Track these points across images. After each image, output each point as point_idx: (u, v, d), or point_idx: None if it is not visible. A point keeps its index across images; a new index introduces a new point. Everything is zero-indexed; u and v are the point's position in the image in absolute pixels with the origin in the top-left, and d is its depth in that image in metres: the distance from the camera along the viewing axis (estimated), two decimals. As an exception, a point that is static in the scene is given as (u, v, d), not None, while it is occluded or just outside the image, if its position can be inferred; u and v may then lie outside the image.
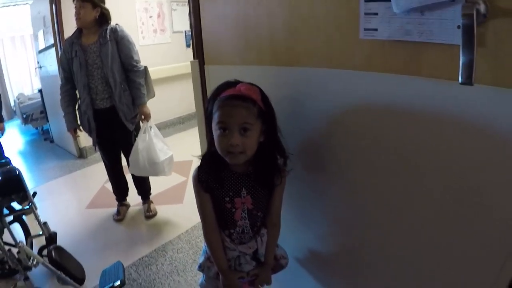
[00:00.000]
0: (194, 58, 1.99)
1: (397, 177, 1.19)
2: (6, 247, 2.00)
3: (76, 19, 2.90)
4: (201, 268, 1.55)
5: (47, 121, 6.62)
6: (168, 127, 6.53)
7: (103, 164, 3.48)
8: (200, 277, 1.66)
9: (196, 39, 1.92)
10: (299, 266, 1.75)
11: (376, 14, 1.10)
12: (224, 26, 1.73)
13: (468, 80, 0.85)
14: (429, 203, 1.11)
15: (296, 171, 1.45)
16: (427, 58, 1.02)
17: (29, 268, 2.11)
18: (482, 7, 0.85)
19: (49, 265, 2.11)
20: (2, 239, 1.96)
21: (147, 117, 3.11)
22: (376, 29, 1.11)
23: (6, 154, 4.13)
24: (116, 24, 3.03)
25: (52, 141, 6.58)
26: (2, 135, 4.28)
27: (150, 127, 3.15)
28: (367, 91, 1.20)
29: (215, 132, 1.25)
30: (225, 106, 1.23)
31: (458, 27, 0.91)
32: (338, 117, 1.32)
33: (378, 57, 1.14)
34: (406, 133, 1.13)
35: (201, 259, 1.56)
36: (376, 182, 1.26)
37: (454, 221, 1.06)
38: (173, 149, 3.34)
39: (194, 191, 1.40)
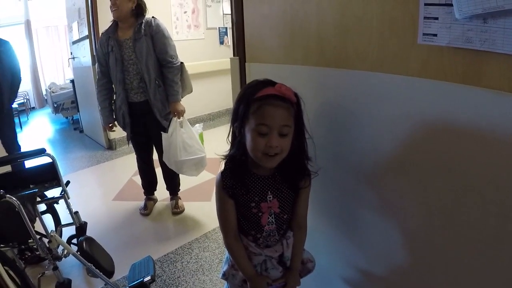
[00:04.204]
0: (234, 55, 1.95)
1: (449, 193, 1.12)
2: (37, 236, 1.99)
3: (112, 11, 2.87)
4: (225, 276, 1.49)
5: (78, 111, 6.72)
6: (198, 123, 6.46)
7: (131, 156, 3.49)
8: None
9: (237, 36, 1.89)
10: (327, 270, 1.69)
11: (437, 18, 1.04)
12: (268, 23, 1.69)
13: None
14: (487, 224, 1.05)
15: (336, 176, 1.40)
16: (487, 68, 0.96)
17: (59, 258, 2.11)
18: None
19: (80, 257, 2.10)
20: (34, 227, 1.95)
21: (179, 115, 3.05)
22: (435, 35, 1.06)
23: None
24: (153, 17, 2.99)
25: (81, 131, 6.69)
26: None
27: (181, 124, 3.09)
28: (421, 99, 1.14)
29: (251, 133, 1.20)
30: (266, 106, 1.18)
31: (523, 37, 0.86)
32: (387, 125, 1.26)
33: (435, 64, 1.09)
34: (460, 147, 1.06)
35: (224, 267, 1.51)
36: (426, 196, 1.20)
37: None
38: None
39: (216, 197, 1.37)
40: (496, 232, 1.02)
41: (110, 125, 3.19)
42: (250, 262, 1.40)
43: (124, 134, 3.22)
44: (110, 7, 2.87)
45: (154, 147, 3.33)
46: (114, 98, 3.13)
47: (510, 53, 0.89)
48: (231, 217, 1.37)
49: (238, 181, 1.32)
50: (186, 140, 3.08)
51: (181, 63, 3.08)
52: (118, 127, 3.22)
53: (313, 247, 1.52)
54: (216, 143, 5.07)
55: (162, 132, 3.05)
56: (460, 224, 1.11)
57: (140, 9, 2.95)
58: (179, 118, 3.07)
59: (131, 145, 3.33)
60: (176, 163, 3.06)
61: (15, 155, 2.63)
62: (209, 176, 4.08)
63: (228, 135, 1.36)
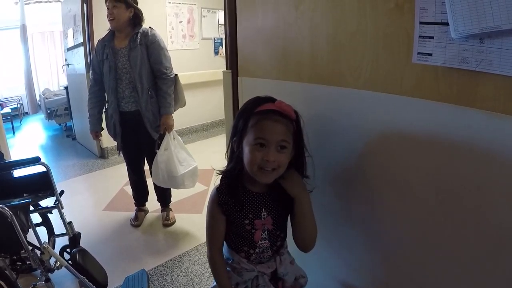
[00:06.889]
0: (226, 68, 1.95)
1: (437, 211, 1.13)
2: (30, 247, 1.97)
3: (110, 20, 2.85)
4: None
5: (71, 118, 6.68)
6: (191, 133, 6.54)
7: (123, 166, 3.45)
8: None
9: (231, 49, 1.90)
10: (314, 286, 1.68)
11: (432, 38, 1.06)
12: (261, 37, 1.70)
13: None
14: (473, 241, 1.06)
15: (325, 194, 1.40)
16: (483, 89, 0.97)
17: (51, 270, 2.08)
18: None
19: (73, 269, 2.07)
20: (26, 237, 1.92)
21: (168, 129, 3.02)
22: (431, 54, 1.07)
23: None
24: (149, 27, 2.99)
25: (74, 139, 6.64)
26: None
27: (173, 137, 3.07)
28: (413, 119, 1.16)
29: (249, 147, 1.21)
30: (266, 120, 1.19)
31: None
32: (379, 144, 1.28)
33: (429, 84, 1.10)
34: (452, 167, 1.08)
35: (214, 283, 1.50)
36: (412, 214, 1.21)
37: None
38: (195, 156, 3.27)
39: (208, 211, 1.37)
40: (477, 248, 1.05)
41: (96, 133, 3.17)
42: (229, 279, 1.40)
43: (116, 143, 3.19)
44: (107, 16, 2.86)
45: (145, 159, 3.31)
46: (106, 106, 3.11)
47: (507, 74, 0.90)
48: (220, 232, 1.37)
49: (233, 197, 1.31)
50: (178, 154, 3.07)
51: (175, 75, 3.07)
52: (105, 136, 3.21)
53: (300, 264, 1.51)
54: (210, 154, 5.08)
55: (156, 151, 3.03)
56: (444, 241, 1.13)
57: (137, 19, 2.94)
58: (168, 132, 3.03)
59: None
60: (176, 179, 3.03)
61: (9, 163, 2.59)
62: (201, 188, 4.06)
63: (227, 150, 1.37)
